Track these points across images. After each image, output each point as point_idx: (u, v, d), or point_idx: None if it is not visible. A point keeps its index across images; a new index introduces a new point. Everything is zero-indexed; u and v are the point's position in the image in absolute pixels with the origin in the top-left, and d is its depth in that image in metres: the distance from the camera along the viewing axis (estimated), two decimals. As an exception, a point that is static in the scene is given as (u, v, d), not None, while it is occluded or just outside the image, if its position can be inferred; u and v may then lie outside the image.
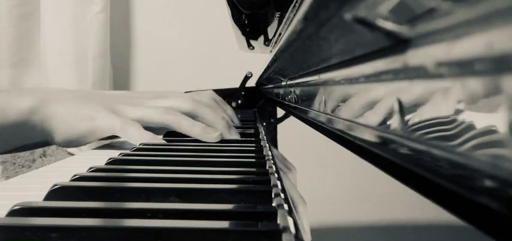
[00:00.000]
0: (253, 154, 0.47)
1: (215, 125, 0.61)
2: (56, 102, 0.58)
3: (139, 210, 0.26)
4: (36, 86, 1.36)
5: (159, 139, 0.57)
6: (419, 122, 0.15)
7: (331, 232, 1.47)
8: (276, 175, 0.35)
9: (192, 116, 0.61)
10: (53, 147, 1.39)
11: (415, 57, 0.15)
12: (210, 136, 0.58)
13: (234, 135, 0.61)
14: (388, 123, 0.18)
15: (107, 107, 0.58)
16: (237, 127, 0.67)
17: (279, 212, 0.25)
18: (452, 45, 0.12)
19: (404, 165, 0.17)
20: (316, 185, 1.44)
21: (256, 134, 0.66)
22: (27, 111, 0.57)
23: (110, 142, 0.66)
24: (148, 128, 0.58)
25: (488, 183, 0.11)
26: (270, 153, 0.46)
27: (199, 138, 0.58)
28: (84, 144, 0.60)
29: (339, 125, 0.28)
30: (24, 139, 0.59)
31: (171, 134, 0.62)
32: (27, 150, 0.70)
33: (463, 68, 0.12)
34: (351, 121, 0.25)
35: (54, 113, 0.58)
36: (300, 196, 0.40)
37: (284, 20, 0.50)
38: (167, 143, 0.56)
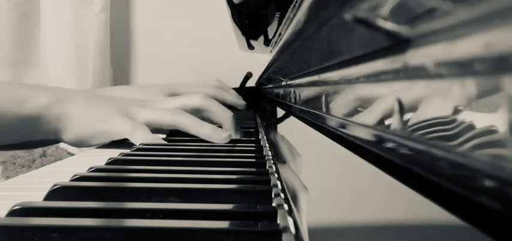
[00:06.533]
0: (253, 154, 0.47)
1: (224, 123, 0.61)
2: (72, 103, 0.59)
3: (140, 210, 0.26)
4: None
5: (159, 139, 0.58)
6: (419, 122, 0.15)
7: (331, 232, 1.47)
8: (276, 175, 0.35)
9: (202, 112, 0.62)
10: (53, 147, 1.39)
11: (415, 57, 0.15)
12: (220, 137, 0.58)
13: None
14: (388, 122, 0.18)
15: (121, 110, 0.59)
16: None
17: (279, 212, 0.25)
18: (452, 45, 0.12)
19: (405, 165, 0.17)
20: (316, 185, 1.44)
21: (256, 134, 0.66)
22: (43, 106, 0.58)
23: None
24: (158, 130, 0.59)
25: (488, 183, 0.11)
26: (270, 153, 0.46)
27: (209, 139, 0.58)
28: (94, 146, 0.61)
29: (339, 125, 0.28)
30: (36, 134, 0.60)
31: (177, 132, 0.63)
32: (35, 147, 0.70)
33: (463, 68, 0.12)
34: (350, 121, 0.25)
35: (69, 112, 0.59)
36: (303, 185, 0.40)
37: (284, 20, 0.50)
38: (168, 143, 0.56)
